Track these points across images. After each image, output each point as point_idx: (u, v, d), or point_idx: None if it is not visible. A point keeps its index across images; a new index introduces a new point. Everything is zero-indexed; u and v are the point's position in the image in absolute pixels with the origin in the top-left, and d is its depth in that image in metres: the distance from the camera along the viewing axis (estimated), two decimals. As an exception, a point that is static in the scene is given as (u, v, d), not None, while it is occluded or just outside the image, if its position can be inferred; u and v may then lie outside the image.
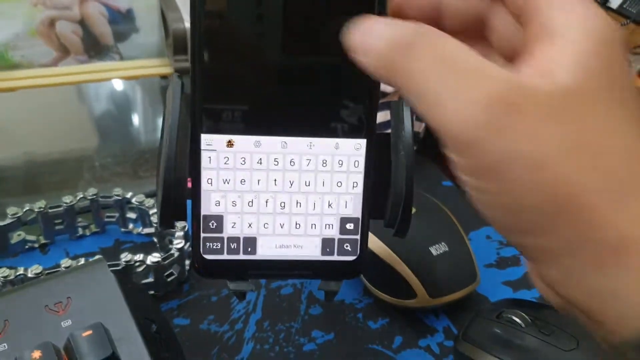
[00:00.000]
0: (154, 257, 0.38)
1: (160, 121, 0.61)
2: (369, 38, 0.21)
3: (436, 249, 0.39)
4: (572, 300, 0.20)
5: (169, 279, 0.40)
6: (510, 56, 0.24)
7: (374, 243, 0.39)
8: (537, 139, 0.18)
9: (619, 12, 0.76)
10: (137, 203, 0.43)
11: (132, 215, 0.45)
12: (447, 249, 0.40)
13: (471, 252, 0.41)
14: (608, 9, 0.75)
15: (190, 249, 0.42)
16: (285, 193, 0.27)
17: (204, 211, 0.27)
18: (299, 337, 0.38)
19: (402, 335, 0.39)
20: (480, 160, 0.19)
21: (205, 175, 0.26)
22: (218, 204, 0.27)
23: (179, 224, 0.41)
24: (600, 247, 0.19)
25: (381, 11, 0.24)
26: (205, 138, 0.26)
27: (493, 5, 0.25)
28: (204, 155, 0.26)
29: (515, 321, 0.36)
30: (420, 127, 0.54)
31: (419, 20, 0.23)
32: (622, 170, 0.19)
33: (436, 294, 0.38)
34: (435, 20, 0.26)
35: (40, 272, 0.37)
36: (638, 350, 0.19)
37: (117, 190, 0.44)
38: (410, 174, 0.27)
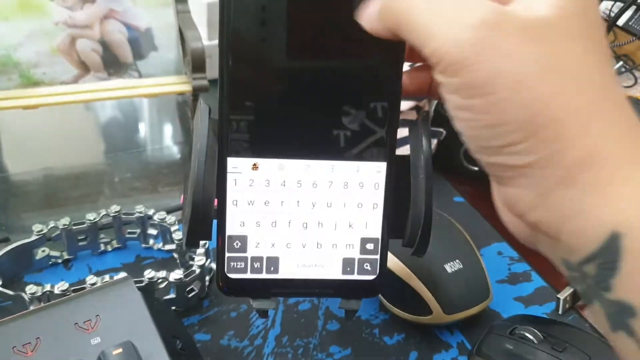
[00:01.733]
0: (176, 274, 0.39)
1: (176, 137, 0.63)
2: (370, 5, 0.24)
3: (451, 267, 0.40)
4: (538, 220, 0.22)
5: (190, 295, 0.41)
6: None
7: (390, 260, 0.40)
8: (517, 59, 0.20)
9: (625, 29, 0.77)
10: (158, 220, 0.44)
11: (153, 231, 0.46)
12: (461, 266, 0.40)
13: (484, 269, 0.42)
14: (615, 26, 0.76)
15: (211, 265, 0.43)
16: (308, 214, 0.28)
17: (229, 231, 0.28)
18: (317, 352, 0.39)
19: (417, 350, 0.40)
20: (467, 78, 0.21)
21: (230, 197, 0.27)
22: (242, 224, 0.28)
23: (201, 241, 0.42)
24: (569, 162, 0.21)
25: None
26: (231, 161, 0.27)
27: None
28: (230, 178, 0.27)
29: (528, 337, 0.37)
30: (432, 144, 0.55)
31: None
32: (592, 95, 0.21)
33: (451, 310, 0.39)
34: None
35: (66, 289, 0.38)
36: (594, 263, 0.20)
37: (139, 207, 0.45)
38: (429, 196, 0.28)
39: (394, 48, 0.26)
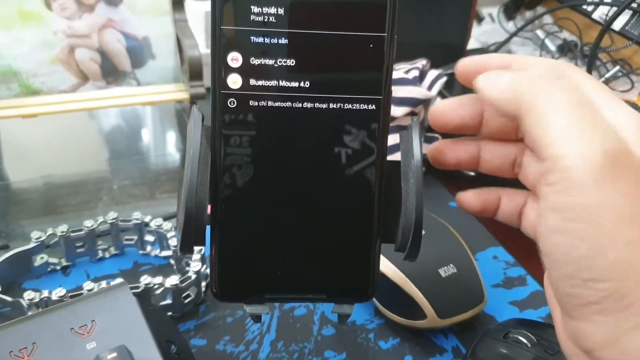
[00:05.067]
0: (172, 280, 0.39)
1: (174, 144, 0.63)
2: (498, 76, 0.25)
3: (445, 271, 0.40)
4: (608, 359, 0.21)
5: (186, 301, 0.41)
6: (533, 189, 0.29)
7: (385, 265, 0.40)
8: (631, 198, 0.20)
9: (622, 34, 0.77)
10: (155, 226, 0.45)
11: (150, 238, 0.46)
12: (455, 270, 0.41)
13: (478, 273, 0.42)
14: (611, 31, 0.76)
15: (207, 271, 0.43)
16: (300, 219, 0.28)
17: (222, 238, 0.28)
18: (312, 357, 0.39)
19: (412, 354, 0.40)
20: (579, 200, 0.21)
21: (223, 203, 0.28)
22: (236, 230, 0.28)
23: (196, 247, 0.43)
24: None
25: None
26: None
27: (525, 148, 0.29)
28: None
29: (522, 341, 0.37)
30: (426, 149, 0.56)
31: (456, 165, 0.31)
32: None
33: (445, 314, 0.40)
34: (473, 164, 0.31)
35: (63, 295, 0.38)
36: None
37: (137, 214, 0.45)
38: (419, 201, 0.28)
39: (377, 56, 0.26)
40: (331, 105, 0.27)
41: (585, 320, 0.22)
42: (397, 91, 0.50)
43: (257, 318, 0.30)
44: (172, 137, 0.65)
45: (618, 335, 0.21)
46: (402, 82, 0.51)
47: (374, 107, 0.27)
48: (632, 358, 0.21)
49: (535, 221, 0.30)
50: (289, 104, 0.27)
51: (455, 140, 0.32)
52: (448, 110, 0.30)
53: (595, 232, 0.20)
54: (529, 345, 0.36)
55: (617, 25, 0.77)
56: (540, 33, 0.85)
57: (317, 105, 0.27)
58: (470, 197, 0.32)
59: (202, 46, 0.56)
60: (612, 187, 0.20)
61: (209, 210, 0.28)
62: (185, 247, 0.27)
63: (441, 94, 0.58)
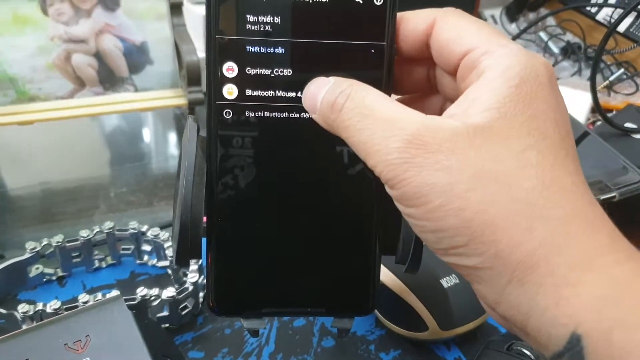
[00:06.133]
0: (169, 292, 0.39)
1: (173, 150, 0.62)
2: (311, 100, 0.25)
3: (447, 281, 0.40)
4: (504, 315, 0.22)
5: (183, 312, 0.40)
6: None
7: (386, 275, 0.40)
8: (444, 171, 0.21)
9: (626, 36, 0.77)
10: (152, 236, 0.44)
11: (147, 247, 0.46)
12: (457, 280, 0.40)
13: (482, 283, 0.41)
14: (616, 33, 0.75)
15: (204, 282, 0.42)
16: (298, 231, 0.27)
17: (218, 250, 0.27)
18: (312, 369, 0.39)
19: (413, 366, 0.39)
20: (402, 191, 0.22)
21: (219, 215, 0.27)
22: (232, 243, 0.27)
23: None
24: (514, 263, 0.20)
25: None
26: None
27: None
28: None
29: (525, 353, 0.36)
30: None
31: None
32: (531, 197, 0.21)
33: (447, 325, 0.39)
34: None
35: (58, 308, 0.37)
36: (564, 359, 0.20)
37: (133, 224, 0.44)
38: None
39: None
40: None
41: (473, 282, 0.22)
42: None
43: (254, 333, 0.30)
44: (170, 142, 0.64)
45: (498, 292, 0.21)
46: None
47: None
48: (517, 312, 0.21)
49: None
50: (286, 114, 0.26)
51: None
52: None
53: (427, 211, 0.21)
54: (533, 357, 0.36)
55: (622, 27, 0.76)
56: (543, 35, 0.84)
57: None
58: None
59: (200, 51, 0.56)
60: (420, 171, 0.21)
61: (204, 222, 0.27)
62: (181, 261, 0.27)
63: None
